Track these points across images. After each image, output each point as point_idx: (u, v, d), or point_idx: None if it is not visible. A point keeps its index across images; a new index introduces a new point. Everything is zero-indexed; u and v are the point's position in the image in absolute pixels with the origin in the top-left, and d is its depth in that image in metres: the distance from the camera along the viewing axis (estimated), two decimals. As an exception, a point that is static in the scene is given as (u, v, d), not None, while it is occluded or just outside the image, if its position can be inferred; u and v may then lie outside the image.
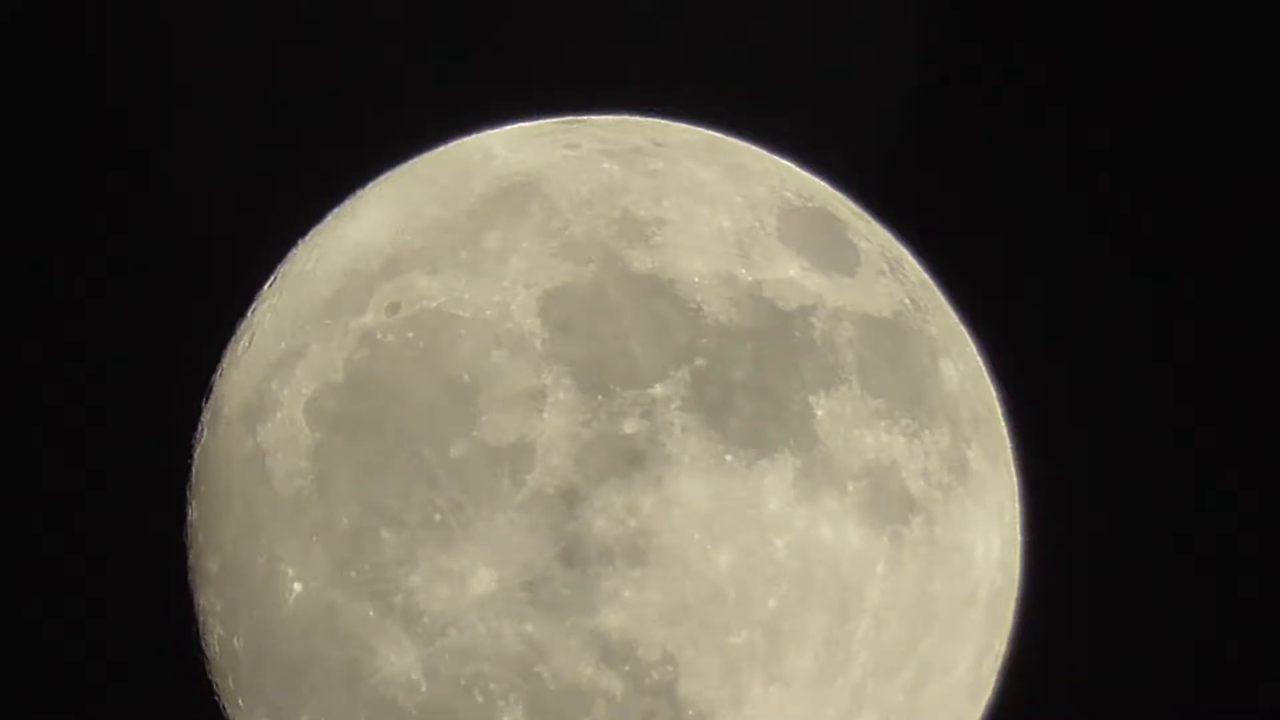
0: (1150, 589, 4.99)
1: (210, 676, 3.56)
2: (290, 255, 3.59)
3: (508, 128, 3.65)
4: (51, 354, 4.92)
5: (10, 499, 4.86)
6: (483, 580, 2.97)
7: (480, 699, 3.02)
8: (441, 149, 3.65)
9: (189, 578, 3.54)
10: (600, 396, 2.99)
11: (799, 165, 3.68)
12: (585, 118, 3.65)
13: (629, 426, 2.98)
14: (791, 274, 3.21)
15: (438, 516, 2.99)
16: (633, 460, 2.97)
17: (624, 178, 3.31)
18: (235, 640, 3.34)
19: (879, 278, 3.38)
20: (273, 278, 3.57)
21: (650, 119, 3.68)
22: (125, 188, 5.04)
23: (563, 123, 3.62)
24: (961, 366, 3.47)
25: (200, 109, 5.10)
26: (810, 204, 3.44)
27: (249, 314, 3.56)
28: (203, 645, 3.54)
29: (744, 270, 3.17)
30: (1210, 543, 5.00)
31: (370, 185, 3.64)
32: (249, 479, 3.26)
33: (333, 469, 3.11)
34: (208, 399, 3.55)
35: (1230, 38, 5.12)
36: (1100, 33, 5.15)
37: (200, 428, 3.55)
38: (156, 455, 4.13)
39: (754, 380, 3.06)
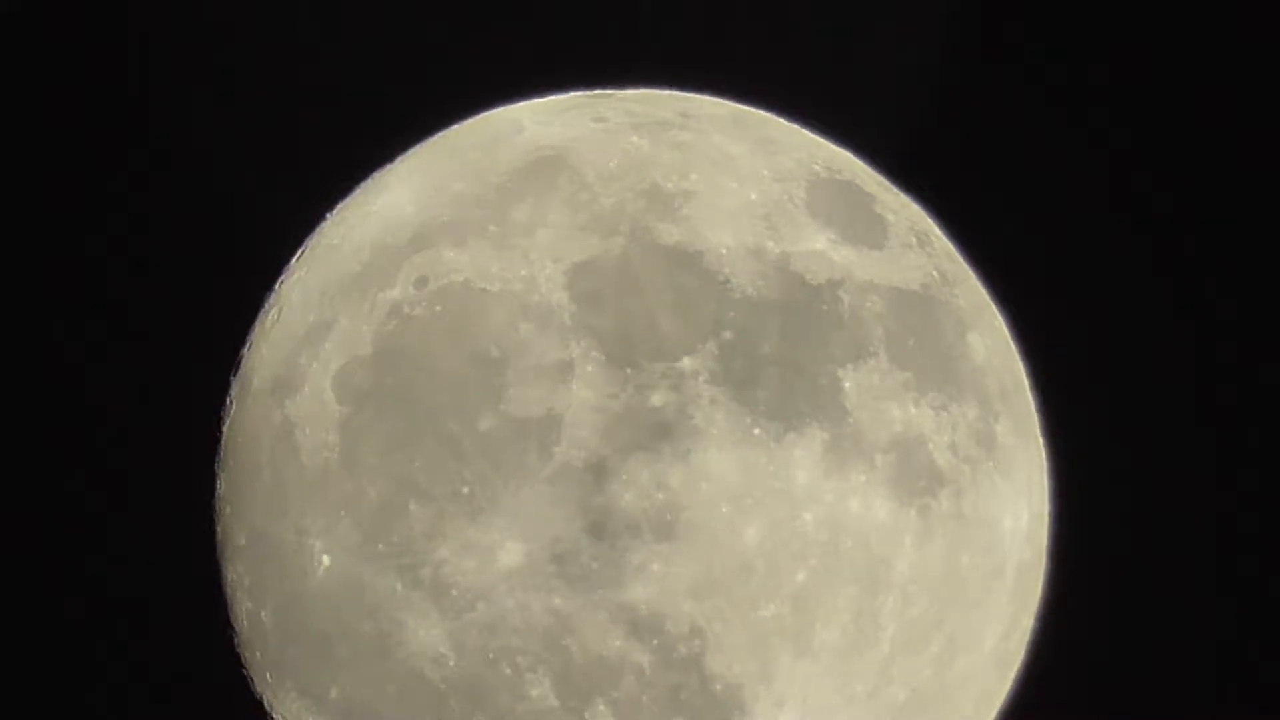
0: (1181, 563, 4.98)
1: (238, 650, 3.58)
2: (318, 229, 3.59)
3: (535, 101, 3.64)
4: (79, 327, 4.94)
5: (38, 473, 4.89)
6: (511, 554, 2.97)
7: (508, 671, 3.03)
8: (469, 122, 3.64)
9: (217, 551, 3.56)
10: (628, 369, 2.99)
11: (826, 138, 3.66)
12: (613, 91, 3.64)
13: (657, 399, 2.97)
14: (819, 246, 3.20)
15: (465, 490, 2.99)
16: (661, 433, 2.96)
17: (652, 151, 3.29)
18: (263, 614, 3.35)
19: (907, 250, 3.37)
20: (300, 251, 3.58)
21: (678, 92, 3.67)
22: (153, 162, 5.05)
23: (590, 96, 3.60)
24: (989, 340, 3.45)
25: (227, 82, 5.10)
26: (838, 177, 3.42)
27: (277, 287, 3.56)
28: (231, 619, 3.56)
29: (772, 243, 3.16)
30: (1241, 518, 4.98)
31: (398, 159, 3.63)
32: (277, 452, 3.26)
33: (360, 442, 3.11)
34: (236, 372, 3.56)
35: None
36: (1133, 5, 5.11)
37: (229, 401, 3.56)
38: (185, 428, 4.15)
39: (782, 353, 3.05)
